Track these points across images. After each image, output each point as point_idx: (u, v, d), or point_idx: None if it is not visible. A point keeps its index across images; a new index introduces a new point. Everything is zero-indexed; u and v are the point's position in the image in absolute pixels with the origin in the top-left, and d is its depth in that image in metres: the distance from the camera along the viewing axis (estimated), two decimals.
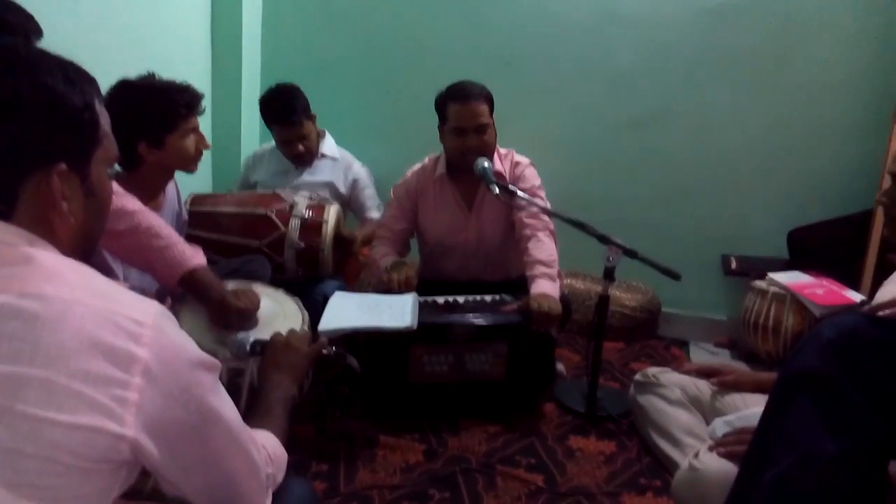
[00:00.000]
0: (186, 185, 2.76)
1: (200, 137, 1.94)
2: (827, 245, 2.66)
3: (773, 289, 2.50)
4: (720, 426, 1.54)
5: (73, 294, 0.69)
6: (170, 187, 2.05)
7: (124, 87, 1.80)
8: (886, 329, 1.09)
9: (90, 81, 0.81)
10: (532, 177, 2.35)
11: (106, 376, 0.67)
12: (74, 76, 0.78)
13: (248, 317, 1.64)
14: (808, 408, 1.07)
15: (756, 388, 1.71)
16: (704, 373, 1.84)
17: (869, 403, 1.02)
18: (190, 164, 1.94)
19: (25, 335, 0.65)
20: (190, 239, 2.22)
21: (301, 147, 2.68)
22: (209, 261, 1.76)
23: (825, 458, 1.02)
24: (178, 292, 1.72)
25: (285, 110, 2.62)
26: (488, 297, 2.19)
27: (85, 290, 0.71)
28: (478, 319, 2.00)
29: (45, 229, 0.76)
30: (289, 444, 1.08)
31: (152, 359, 0.70)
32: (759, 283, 2.57)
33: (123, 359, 0.68)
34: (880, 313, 1.15)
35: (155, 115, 1.80)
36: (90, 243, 0.87)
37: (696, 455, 1.42)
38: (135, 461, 0.71)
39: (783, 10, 2.67)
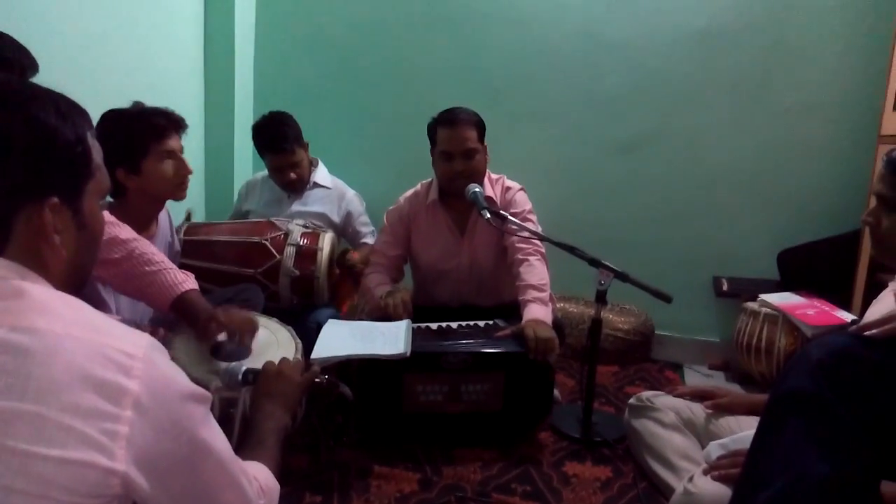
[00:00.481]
0: (181, 213, 2.79)
1: (181, 162, 1.92)
2: (817, 265, 2.68)
3: (764, 310, 2.51)
4: (715, 449, 1.54)
5: (64, 328, 0.69)
6: (162, 217, 2.06)
7: (106, 117, 1.81)
8: (874, 348, 1.10)
9: (82, 114, 0.82)
10: (523, 201, 2.37)
11: (97, 410, 0.67)
12: (66, 110, 0.79)
13: (243, 335, 1.63)
14: (799, 429, 1.07)
15: (750, 410, 1.71)
16: (698, 396, 1.84)
17: (859, 423, 1.03)
18: (174, 190, 1.93)
19: (17, 370, 0.65)
20: (184, 268, 2.22)
21: (293, 175, 2.70)
22: (203, 290, 1.76)
23: (817, 479, 1.02)
24: (171, 320, 1.72)
25: (277, 138, 2.64)
26: (481, 323, 2.19)
27: (76, 323, 0.71)
28: (472, 347, 1.98)
29: (37, 263, 0.77)
30: (282, 474, 1.07)
31: (143, 392, 0.70)
32: (751, 305, 2.58)
33: (114, 392, 0.68)
34: (868, 333, 1.16)
35: (127, 139, 1.81)
36: (82, 275, 0.88)
37: (691, 479, 1.42)
38: (125, 495, 0.70)
39: (769, 33, 2.72)
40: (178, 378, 0.77)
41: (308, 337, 1.89)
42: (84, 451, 0.66)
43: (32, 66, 1.51)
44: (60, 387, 0.66)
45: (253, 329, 1.66)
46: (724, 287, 2.77)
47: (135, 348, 0.72)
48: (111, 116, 1.82)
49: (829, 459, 1.02)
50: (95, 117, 1.77)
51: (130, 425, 0.69)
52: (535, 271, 2.18)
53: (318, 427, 1.90)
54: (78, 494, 0.66)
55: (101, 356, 0.69)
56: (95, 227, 0.85)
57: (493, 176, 2.40)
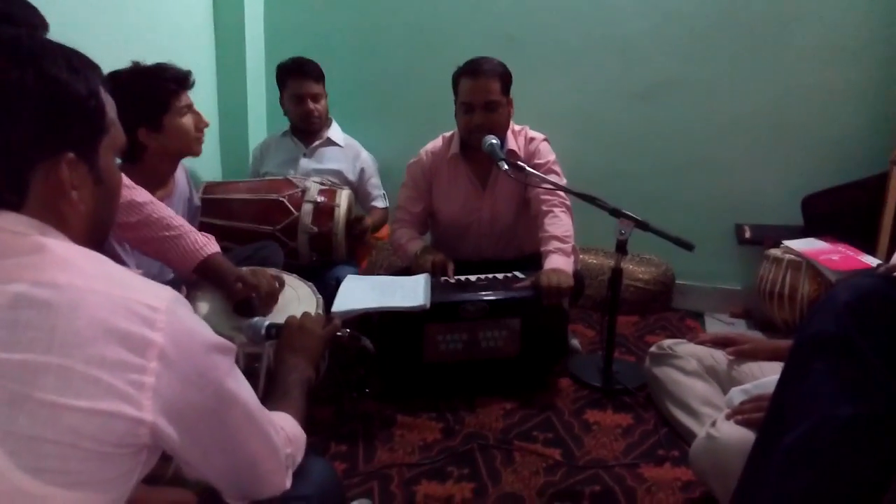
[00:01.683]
0: (197, 171, 2.79)
1: (198, 116, 1.95)
2: (842, 210, 2.63)
3: (787, 256, 2.48)
4: (737, 395, 1.54)
5: (86, 282, 0.70)
6: (179, 174, 2.06)
7: (112, 79, 1.80)
8: None
9: (94, 69, 0.81)
10: (547, 152, 2.33)
11: (122, 362, 0.68)
12: (78, 64, 0.78)
13: (270, 296, 1.66)
14: (825, 371, 1.06)
15: (773, 355, 1.70)
16: (720, 343, 1.83)
17: (886, 365, 1.01)
18: (193, 145, 1.95)
19: (41, 323, 0.66)
20: (203, 226, 2.26)
21: (312, 106, 2.71)
22: (223, 248, 1.78)
23: (842, 419, 1.01)
24: (193, 280, 1.74)
25: (302, 63, 2.70)
26: (500, 275, 2.19)
27: (98, 277, 0.71)
28: (489, 296, 2.00)
29: (56, 218, 0.77)
30: (307, 425, 1.09)
31: (167, 343, 0.71)
32: (774, 252, 2.55)
33: (139, 344, 0.69)
34: None
35: (146, 98, 1.81)
36: (102, 231, 0.88)
37: (714, 424, 1.42)
38: (155, 445, 0.72)
39: None
40: (202, 330, 0.78)
41: (328, 293, 1.91)
42: (112, 401, 0.67)
43: (42, 25, 1.49)
44: (85, 339, 0.66)
45: (278, 287, 1.68)
46: (747, 234, 2.73)
47: (158, 301, 0.72)
48: (121, 77, 1.81)
49: (854, 400, 1.01)
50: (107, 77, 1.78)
51: (157, 376, 0.69)
52: (560, 223, 2.16)
53: (341, 379, 1.94)
54: (108, 444, 0.67)
55: (125, 309, 0.69)
56: (113, 182, 0.85)
57: (516, 127, 2.36)
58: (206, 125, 1.98)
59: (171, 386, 0.71)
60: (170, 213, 1.68)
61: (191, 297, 1.70)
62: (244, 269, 1.69)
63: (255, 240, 2.27)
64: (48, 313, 0.66)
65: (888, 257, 1.66)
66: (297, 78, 2.69)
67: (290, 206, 2.37)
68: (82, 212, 0.79)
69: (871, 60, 2.59)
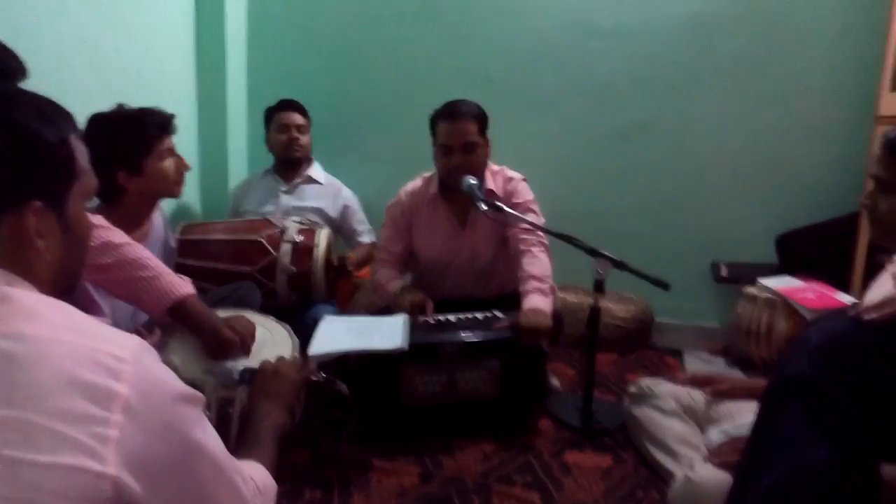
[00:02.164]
0: (176, 211, 2.78)
1: (179, 159, 1.95)
2: (815, 248, 2.67)
3: (763, 294, 2.50)
4: (715, 435, 1.54)
5: (50, 332, 0.68)
6: (155, 215, 2.05)
7: (96, 121, 1.81)
8: (873, 332, 1.10)
9: (65, 116, 0.81)
10: (525, 191, 2.36)
11: (85, 414, 0.66)
12: (49, 112, 0.78)
13: (243, 346, 1.63)
14: (799, 414, 1.07)
15: (750, 395, 1.71)
16: (698, 383, 1.84)
17: (858, 407, 1.02)
18: (173, 188, 1.95)
19: (3, 376, 0.64)
20: (180, 267, 2.24)
21: (296, 135, 2.78)
22: (200, 289, 1.75)
23: (817, 463, 1.02)
24: (167, 323, 1.71)
25: (288, 100, 2.84)
26: (480, 315, 2.18)
27: (63, 327, 0.70)
28: (468, 337, 1.99)
29: (22, 267, 0.76)
30: (281, 471, 1.06)
31: (132, 394, 0.69)
32: (750, 290, 2.57)
33: (103, 396, 0.67)
34: (866, 317, 1.15)
35: (128, 141, 1.82)
36: (70, 278, 0.87)
37: (692, 466, 1.41)
38: (117, 499, 0.70)
39: (764, 16, 2.70)
40: (169, 379, 0.76)
41: (306, 333, 1.89)
42: (73, 455, 0.65)
43: (21, 70, 1.50)
44: (47, 392, 0.65)
45: (252, 333, 1.66)
46: (723, 272, 2.76)
47: (123, 351, 0.71)
48: (104, 119, 1.81)
49: (829, 444, 1.02)
50: (88, 119, 1.78)
51: (120, 429, 0.68)
52: (538, 262, 2.18)
53: (317, 423, 1.90)
54: (68, 499, 0.65)
55: (89, 360, 0.68)
56: (81, 230, 0.84)
57: (495, 168, 2.39)
58: (188, 168, 1.98)
59: (135, 438, 0.69)
60: (146, 255, 1.66)
61: (164, 340, 1.67)
62: (221, 315, 1.66)
63: (233, 280, 2.24)
64: (10, 365, 0.65)
65: (861, 295, 1.69)
66: (283, 110, 2.80)
67: (268, 246, 2.36)
68: (49, 260, 0.78)
69: (843, 100, 2.67)
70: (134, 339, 0.74)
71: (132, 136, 1.82)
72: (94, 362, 0.68)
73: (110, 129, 1.78)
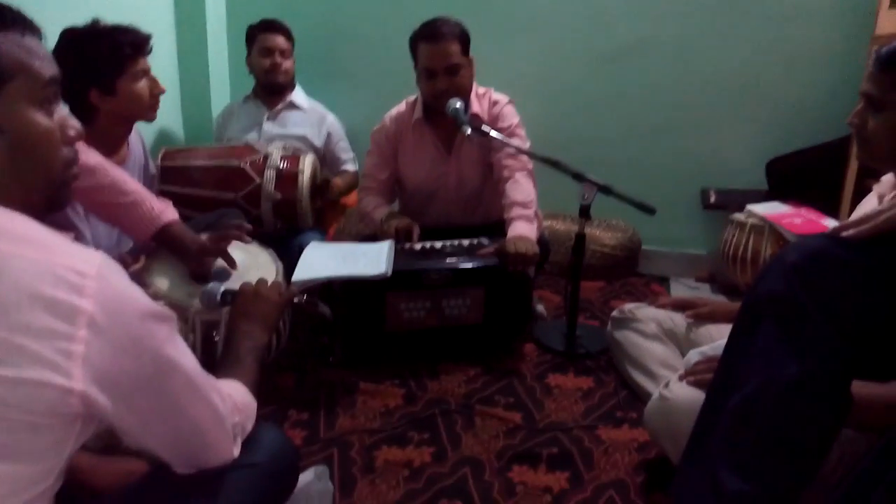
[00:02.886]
0: (158, 137, 2.73)
1: (153, 81, 1.89)
2: (806, 174, 2.65)
3: (751, 220, 2.50)
4: (695, 357, 1.56)
5: (9, 246, 0.67)
6: (134, 140, 2.01)
7: (67, 37, 1.74)
8: (850, 249, 1.08)
9: None
10: (511, 115, 2.31)
11: (49, 329, 0.66)
12: None
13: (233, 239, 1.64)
14: (772, 331, 1.07)
15: (731, 318, 1.69)
16: (679, 306, 1.85)
17: (832, 324, 1.02)
18: (147, 111, 1.89)
19: None
20: (164, 194, 2.20)
21: (279, 60, 2.70)
22: (184, 217, 1.74)
23: (788, 379, 1.02)
24: (151, 247, 1.71)
25: (272, 20, 2.73)
26: (466, 242, 2.18)
27: (22, 241, 0.69)
28: (453, 264, 1.99)
29: None
30: (268, 394, 1.07)
31: (97, 310, 0.69)
32: (738, 216, 2.56)
33: (66, 311, 0.67)
34: (844, 234, 1.15)
35: (101, 60, 1.75)
36: (39, 193, 0.81)
37: (667, 385, 1.44)
38: (88, 414, 0.70)
39: None
40: (136, 296, 0.76)
41: (293, 261, 1.89)
42: (38, 370, 0.65)
43: None
44: (8, 307, 0.64)
45: (242, 231, 1.67)
46: (712, 199, 2.75)
47: (87, 266, 0.70)
48: (77, 36, 1.74)
49: (800, 360, 1.03)
50: (60, 33, 1.71)
51: (86, 344, 0.68)
52: (521, 188, 2.15)
53: (303, 347, 1.93)
54: (36, 414, 0.66)
55: (51, 275, 0.67)
56: (28, 135, 0.78)
57: (480, 90, 2.33)
58: (162, 91, 1.92)
59: (102, 354, 0.69)
60: (123, 177, 1.64)
61: (147, 264, 1.67)
62: (205, 239, 1.65)
63: (216, 208, 2.23)
64: None
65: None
66: (266, 32, 2.69)
67: (251, 172, 2.32)
68: None
69: (836, 22, 2.59)
70: (98, 255, 0.73)
71: (105, 53, 1.75)
72: (56, 277, 0.67)
73: (82, 45, 1.72)
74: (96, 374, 0.69)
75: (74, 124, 0.85)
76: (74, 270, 0.69)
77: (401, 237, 2.13)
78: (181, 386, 0.81)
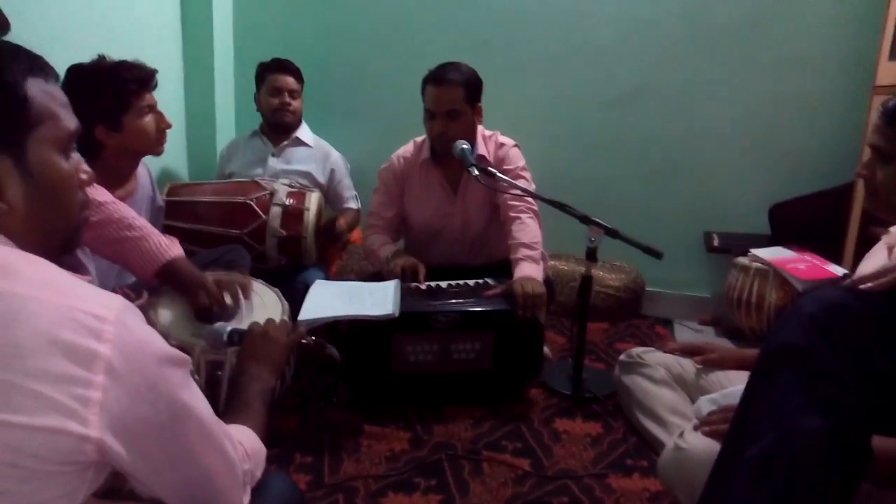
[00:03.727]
0: (163, 171, 2.73)
1: (160, 116, 1.90)
2: (808, 219, 2.67)
3: (755, 265, 2.50)
4: (705, 404, 1.54)
5: (29, 290, 0.66)
6: (141, 173, 2.01)
7: (73, 73, 1.75)
8: (868, 302, 1.08)
9: (23, 59, 0.76)
10: (517, 158, 2.32)
11: (67, 375, 0.64)
12: None
13: (233, 304, 1.62)
14: (791, 383, 1.06)
15: (740, 365, 1.71)
16: (688, 351, 1.84)
17: (851, 377, 1.01)
18: (153, 146, 1.90)
19: None
20: (168, 230, 2.20)
21: (288, 100, 2.70)
22: (188, 252, 1.73)
23: (807, 432, 1.01)
24: (155, 285, 1.69)
25: (282, 60, 2.73)
26: (471, 282, 2.17)
27: (42, 285, 0.68)
28: (462, 307, 1.96)
29: None
30: (271, 436, 1.05)
31: (115, 356, 0.67)
32: (742, 260, 2.57)
33: (85, 357, 0.65)
34: (862, 286, 1.15)
35: (106, 96, 1.76)
36: (57, 235, 0.82)
37: (682, 435, 1.41)
38: (101, 461, 0.68)
39: None
40: (154, 341, 0.74)
41: (296, 298, 1.87)
42: (55, 417, 0.63)
43: (3, 24, 1.45)
44: (26, 352, 0.63)
45: (240, 291, 1.64)
46: (715, 242, 2.76)
47: (106, 311, 0.69)
48: (83, 72, 1.75)
49: (819, 413, 1.01)
50: (66, 70, 1.72)
51: (103, 391, 0.66)
52: (527, 229, 2.16)
53: (307, 388, 1.90)
54: (50, 462, 0.64)
55: (70, 319, 0.66)
56: (52, 179, 0.78)
57: (486, 132, 2.35)
58: (169, 126, 1.92)
59: (119, 400, 0.67)
60: (132, 214, 1.63)
61: (151, 302, 1.65)
62: (209, 275, 1.64)
63: (221, 243, 2.22)
64: None
65: (853, 267, 1.69)
66: (276, 72, 2.71)
67: (257, 209, 2.33)
68: (14, 211, 0.74)
69: (837, 71, 2.64)
70: (117, 299, 0.72)
71: (111, 90, 1.76)
72: (76, 322, 0.66)
73: (88, 81, 1.72)
74: (112, 421, 0.67)
75: (87, 169, 0.85)
76: (93, 315, 0.68)
77: (406, 277, 2.12)
78: (194, 432, 0.80)
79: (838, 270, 2.36)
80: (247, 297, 1.66)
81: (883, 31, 2.30)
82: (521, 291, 1.91)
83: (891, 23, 2.27)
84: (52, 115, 0.77)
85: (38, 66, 0.77)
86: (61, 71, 1.69)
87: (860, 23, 2.55)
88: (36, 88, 0.76)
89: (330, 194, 2.77)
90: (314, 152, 2.77)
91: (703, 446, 1.34)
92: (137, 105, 1.81)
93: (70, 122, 0.80)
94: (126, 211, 1.62)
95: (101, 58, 1.83)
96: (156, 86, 1.87)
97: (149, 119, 1.85)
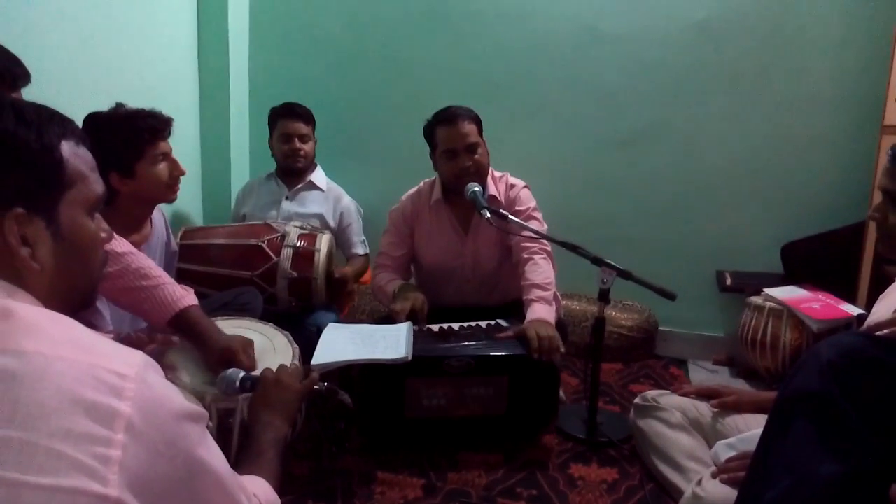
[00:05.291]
0: (178, 215, 2.77)
1: (174, 163, 1.92)
2: (821, 258, 2.66)
3: (769, 304, 2.49)
4: (722, 449, 1.52)
5: (53, 349, 0.67)
6: (157, 218, 2.03)
7: (89, 122, 1.79)
8: (885, 349, 1.08)
9: (56, 122, 0.79)
10: (527, 199, 2.34)
11: (88, 434, 0.64)
12: (32, 117, 0.76)
13: (245, 356, 1.60)
14: (807, 429, 1.05)
15: (757, 408, 1.69)
16: (704, 394, 1.82)
17: (868, 425, 1.01)
18: (166, 193, 1.92)
19: (4, 395, 0.63)
20: (182, 273, 2.22)
21: (299, 145, 2.73)
22: (200, 294, 1.74)
23: (823, 480, 1.00)
24: (167, 332, 1.69)
25: (292, 105, 2.77)
26: (483, 324, 2.16)
27: (65, 343, 0.69)
28: (476, 351, 1.94)
29: (16, 279, 0.74)
30: (284, 482, 1.04)
31: (136, 413, 0.68)
32: (755, 299, 2.56)
33: (106, 415, 0.66)
34: (879, 333, 1.14)
35: (120, 143, 1.79)
36: (80, 294, 0.84)
37: (699, 483, 1.39)
38: None
39: (768, 23, 2.69)
40: (173, 397, 0.75)
41: (307, 339, 1.87)
42: (76, 477, 0.63)
43: (25, 76, 1.48)
44: (49, 411, 0.63)
45: (248, 346, 1.63)
46: (728, 281, 2.75)
47: (127, 368, 0.70)
48: (98, 120, 1.79)
49: (836, 460, 1.00)
50: (84, 119, 1.76)
51: (123, 449, 0.66)
52: (540, 270, 2.16)
53: (320, 433, 1.88)
54: None
55: (92, 377, 0.67)
56: (80, 240, 0.81)
57: (497, 174, 2.37)
58: (183, 173, 1.95)
59: (138, 458, 0.67)
60: (149, 264, 1.65)
61: (163, 349, 1.65)
62: (221, 324, 1.64)
63: (233, 285, 2.23)
64: (12, 384, 0.63)
65: (868, 306, 1.68)
66: (287, 118, 2.74)
67: (269, 251, 2.34)
68: (44, 271, 0.76)
69: (846, 111, 2.66)
70: (138, 356, 0.73)
71: (124, 139, 1.79)
72: (97, 380, 0.67)
73: (103, 129, 1.76)
74: (131, 479, 0.67)
75: (106, 227, 0.88)
76: (115, 373, 0.68)
77: (415, 319, 2.11)
78: (211, 488, 0.79)
79: (853, 310, 2.34)
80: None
81: (890, 71, 2.32)
82: (535, 335, 1.90)
83: None
84: (83, 177, 0.80)
85: (70, 129, 0.80)
86: (80, 118, 1.74)
87: (868, 63, 2.58)
88: (69, 151, 0.79)
89: (339, 238, 2.79)
90: (327, 195, 2.80)
91: (721, 494, 1.32)
92: (151, 153, 1.84)
93: (98, 185, 0.83)
94: (144, 261, 1.64)
95: (119, 106, 1.87)
96: (170, 134, 1.91)
97: (162, 167, 1.87)
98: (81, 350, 0.69)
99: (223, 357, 1.55)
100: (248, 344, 1.62)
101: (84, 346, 0.70)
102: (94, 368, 0.67)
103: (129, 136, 1.81)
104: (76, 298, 0.83)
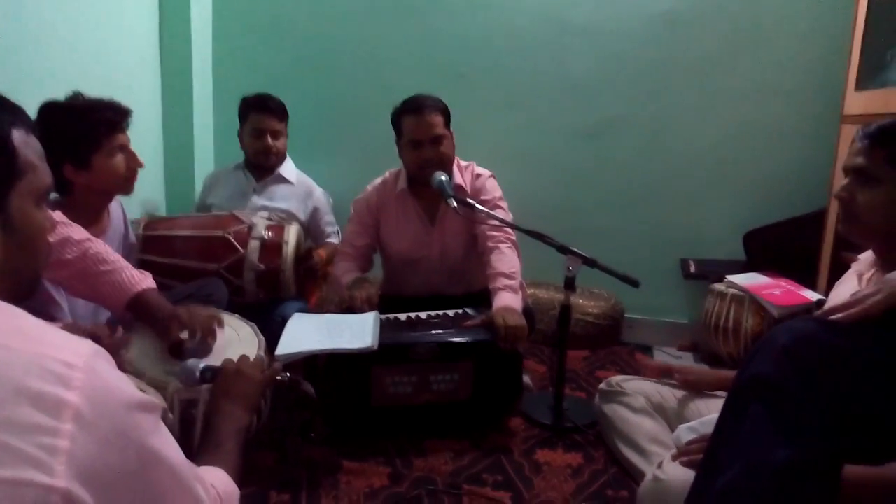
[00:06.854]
0: (140, 206, 2.72)
1: (131, 155, 1.87)
2: (782, 245, 2.71)
3: (731, 291, 2.53)
4: (684, 433, 1.54)
5: None
6: (114, 209, 1.99)
7: (45, 111, 1.74)
8: (840, 334, 1.10)
9: (8, 110, 0.77)
10: (493, 188, 2.35)
11: (33, 424, 0.63)
12: None
13: (206, 336, 1.59)
14: (761, 414, 1.06)
15: (718, 385, 1.74)
16: (668, 371, 1.85)
17: (821, 409, 1.02)
18: (123, 186, 1.88)
19: None
20: (144, 264, 2.18)
21: (270, 142, 2.65)
22: (165, 287, 1.71)
23: (775, 464, 1.01)
24: (128, 320, 1.67)
25: (266, 98, 2.66)
26: (451, 312, 2.17)
27: (10, 332, 0.67)
28: (441, 338, 1.95)
29: None
30: (247, 474, 1.03)
31: (84, 403, 0.66)
32: (718, 286, 2.60)
33: (52, 405, 0.64)
34: (833, 317, 1.16)
35: (76, 135, 1.74)
36: (24, 282, 0.83)
37: (660, 465, 1.41)
38: None
39: (732, 16, 2.73)
40: (123, 387, 0.73)
41: (274, 331, 1.86)
42: (20, 468, 0.62)
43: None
44: None
45: (216, 325, 1.62)
46: (692, 269, 2.79)
47: (75, 357, 0.68)
48: (54, 110, 1.74)
49: (788, 445, 1.01)
50: (39, 107, 1.71)
51: (71, 439, 0.65)
52: (506, 259, 2.17)
53: (284, 424, 1.87)
54: None
55: (38, 367, 0.65)
56: (29, 230, 0.79)
57: (463, 163, 2.37)
58: (140, 166, 1.90)
59: (87, 448, 0.66)
60: (107, 249, 1.62)
61: (125, 339, 1.63)
62: (179, 308, 1.62)
63: (199, 278, 2.20)
64: None
65: (827, 291, 1.70)
66: (259, 112, 2.64)
67: (235, 242, 2.31)
68: None
69: (807, 101, 2.72)
70: (87, 345, 0.71)
71: (80, 130, 1.74)
72: (44, 370, 0.65)
73: (59, 119, 1.71)
74: (80, 470, 0.66)
75: (51, 216, 0.87)
76: (62, 362, 0.67)
77: (361, 308, 2.10)
78: (165, 478, 0.78)
79: (813, 296, 2.40)
80: (220, 327, 1.64)
81: (849, 63, 2.37)
82: (502, 323, 1.91)
83: (856, 54, 2.34)
84: (33, 167, 0.78)
85: (20, 117, 0.78)
86: (34, 107, 1.70)
87: (828, 55, 2.63)
88: (20, 140, 0.77)
89: (311, 230, 2.75)
90: (296, 189, 2.74)
91: (682, 477, 1.34)
92: (108, 145, 1.79)
93: (47, 175, 0.82)
94: (101, 247, 1.61)
95: (77, 95, 1.81)
96: (128, 126, 1.86)
97: (119, 159, 1.83)
98: (28, 340, 0.67)
99: (167, 324, 1.53)
100: (208, 320, 1.60)
101: (31, 335, 0.68)
102: (40, 358, 0.66)
103: (86, 127, 1.76)
104: (21, 288, 0.81)
